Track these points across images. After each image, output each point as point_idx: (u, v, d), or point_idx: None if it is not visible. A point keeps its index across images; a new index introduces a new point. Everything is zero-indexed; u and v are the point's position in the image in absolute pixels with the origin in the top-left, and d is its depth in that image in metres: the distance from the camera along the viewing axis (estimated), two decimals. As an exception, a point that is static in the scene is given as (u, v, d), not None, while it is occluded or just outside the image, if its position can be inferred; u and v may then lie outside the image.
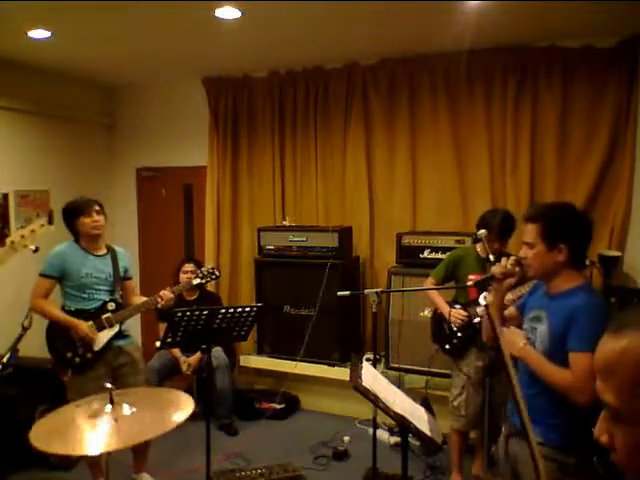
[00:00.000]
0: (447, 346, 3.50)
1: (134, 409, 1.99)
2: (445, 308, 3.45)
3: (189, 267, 4.57)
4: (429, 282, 3.55)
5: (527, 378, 2.07)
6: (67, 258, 3.20)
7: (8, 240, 2.64)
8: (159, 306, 3.32)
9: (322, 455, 4.02)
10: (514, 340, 2.09)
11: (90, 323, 3.18)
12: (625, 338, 0.79)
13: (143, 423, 1.94)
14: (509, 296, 2.50)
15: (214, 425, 4.22)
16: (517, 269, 2.19)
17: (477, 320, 3.21)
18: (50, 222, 2.73)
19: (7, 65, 4.48)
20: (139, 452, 3.45)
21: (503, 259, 2.25)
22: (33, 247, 2.63)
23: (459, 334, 3.42)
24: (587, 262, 3.49)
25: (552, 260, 2.01)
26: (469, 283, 2.61)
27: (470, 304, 3.35)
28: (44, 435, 1.88)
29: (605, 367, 0.81)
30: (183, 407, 2.03)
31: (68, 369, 3.22)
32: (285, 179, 5.08)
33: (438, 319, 3.57)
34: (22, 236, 2.65)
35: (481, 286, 2.29)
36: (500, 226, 3.18)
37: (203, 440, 3.02)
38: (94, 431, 1.87)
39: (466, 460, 3.61)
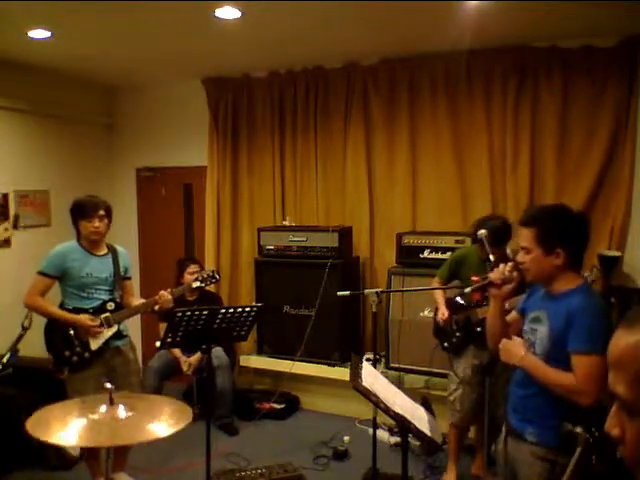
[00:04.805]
0: (446, 344, 3.55)
1: (130, 413, 2.03)
2: (440, 307, 3.53)
3: (194, 268, 4.58)
4: (435, 282, 3.61)
5: (523, 379, 2.07)
6: (68, 258, 3.19)
7: None
8: (156, 308, 3.31)
9: (322, 455, 4.02)
10: (514, 350, 2.08)
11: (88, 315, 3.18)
12: (639, 332, 0.80)
13: (132, 426, 2.00)
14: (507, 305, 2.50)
15: (214, 425, 4.22)
16: (515, 274, 2.18)
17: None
18: (15, 226, 2.69)
19: (7, 65, 4.48)
20: (120, 451, 3.37)
21: (501, 265, 2.24)
22: None
23: (458, 333, 3.47)
24: (592, 269, 3.49)
25: (550, 264, 2.00)
26: (467, 290, 2.61)
27: (474, 306, 3.39)
28: (37, 422, 1.98)
29: (618, 360, 0.82)
30: (178, 420, 2.05)
31: (65, 367, 3.20)
32: (285, 179, 5.08)
33: None
34: None
35: (480, 291, 2.29)
36: (494, 233, 3.15)
37: (203, 440, 3.01)
38: (84, 426, 1.96)
39: (466, 460, 3.61)
